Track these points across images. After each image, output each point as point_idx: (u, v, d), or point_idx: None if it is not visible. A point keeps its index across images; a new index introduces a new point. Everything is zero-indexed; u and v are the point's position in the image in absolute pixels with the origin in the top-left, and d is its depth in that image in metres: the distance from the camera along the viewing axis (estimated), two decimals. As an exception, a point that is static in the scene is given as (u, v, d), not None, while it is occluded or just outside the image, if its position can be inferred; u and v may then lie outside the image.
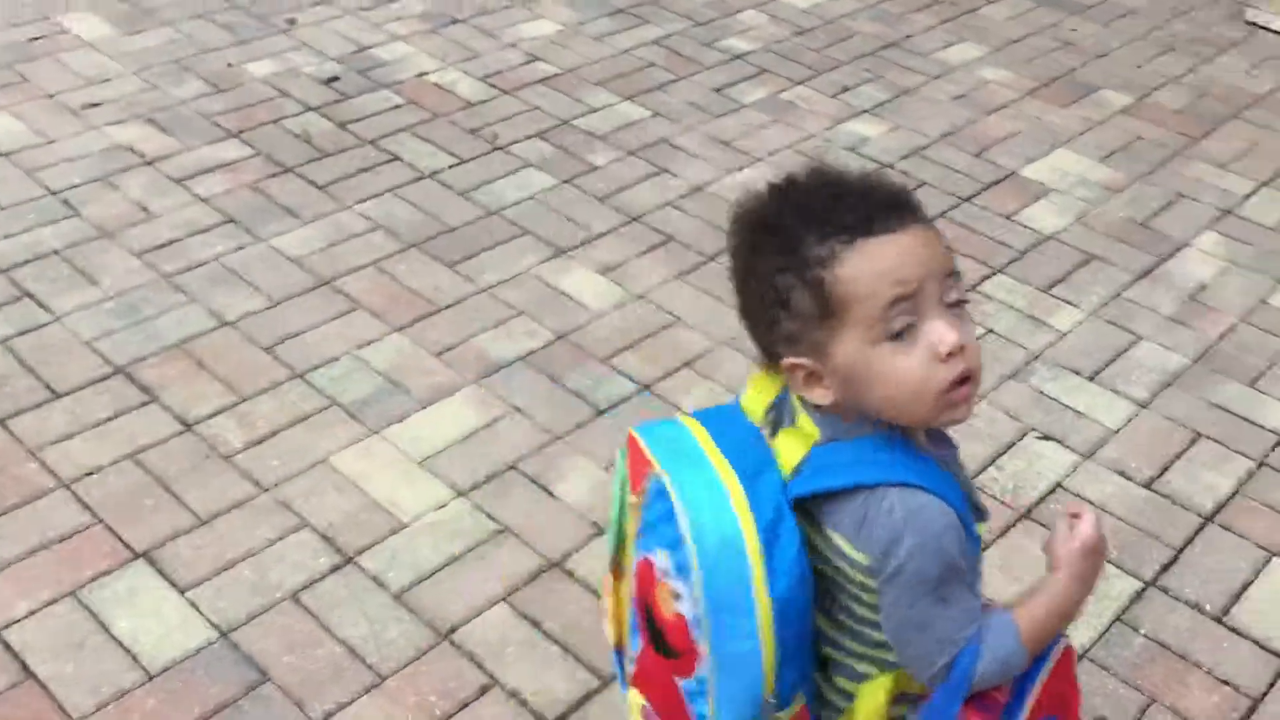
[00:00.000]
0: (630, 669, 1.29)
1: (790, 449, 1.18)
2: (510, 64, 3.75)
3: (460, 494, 2.28)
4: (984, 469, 2.40)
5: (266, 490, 2.25)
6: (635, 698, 1.28)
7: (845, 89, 3.75)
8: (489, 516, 2.24)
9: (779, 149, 3.41)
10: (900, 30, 4.14)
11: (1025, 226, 3.16)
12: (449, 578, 2.12)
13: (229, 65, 3.61)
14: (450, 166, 3.23)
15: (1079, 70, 3.97)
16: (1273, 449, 2.50)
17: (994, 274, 2.97)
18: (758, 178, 3.26)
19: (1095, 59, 4.05)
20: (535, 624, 2.05)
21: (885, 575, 1.13)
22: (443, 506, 2.25)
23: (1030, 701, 1.18)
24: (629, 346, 2.66)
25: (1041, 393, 2.61)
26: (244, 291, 2.74)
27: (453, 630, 2.03)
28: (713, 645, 1.14)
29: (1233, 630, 2.13)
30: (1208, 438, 2.52)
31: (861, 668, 1.22)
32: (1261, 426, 2.56)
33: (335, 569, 2.12)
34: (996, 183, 3.34)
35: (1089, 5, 4.45)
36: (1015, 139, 3.55)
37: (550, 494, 2.29)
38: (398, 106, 3.48)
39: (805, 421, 1.19)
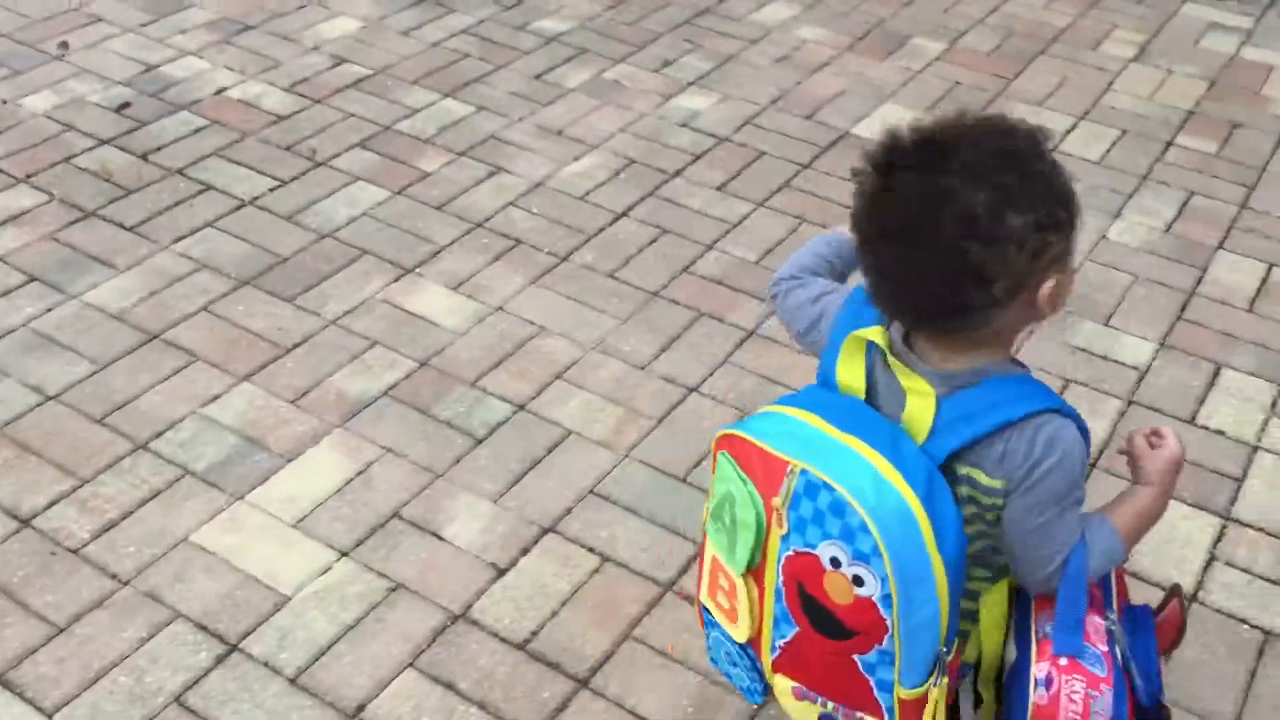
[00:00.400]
0: (772, 657, 1.35)
1: (917, 410, 1.24)
2: (316, 69, 3.53)
3: (343, 554, 2.12)
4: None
5: (127, 583, 2.05)
6: (783, 682, 1.36)
7: (668, 62, 3.67)
8: (379, 574, 2.09)
9: (612, 134, 3.30)
10: (711, -5, 4.09)
11: (867, 187, 3.16)
12: (347, 650, 1.97)
13: (2, 103, 3.28)
14: (270, 190, 3.01)
15: (889, 20, 4.00)
16: (1138, 385, 2.57)
17: (846, 240, 2.96)
18: (596, 166, 3.16)
19: (903, 7, 4.09)
20: (448, 686, 1.92)
21: (1019, 490, 1.24)
22: (327, 571, 2.09)
23: (1115, 587, 1.36)
24: (496, 365, 2.53)
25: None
26: (63, 358, 2.48)
27: (360, 709, 1.88)
28: (902, 618, 1.21)
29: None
30: (1075, 381, 2.57)
31: (975, 586, 1.34)
32: (1122, 364, 2.62)
33: (219, 660, 1.94)
34: (832, 145, 3.33)
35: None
36: (842, 98, 3.54)
37: (440, 539, 2.16)
38: (200, 129, 3.22)
39: (918, 383, 1.25)
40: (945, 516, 1.20)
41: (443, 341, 2.58)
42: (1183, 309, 2.77)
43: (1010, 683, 1.32)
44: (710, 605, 1.40)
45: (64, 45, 3.53)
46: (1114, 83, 3.68)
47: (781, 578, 1.28)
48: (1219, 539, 2.22)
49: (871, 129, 3.39)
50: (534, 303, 2.70)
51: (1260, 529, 2.24)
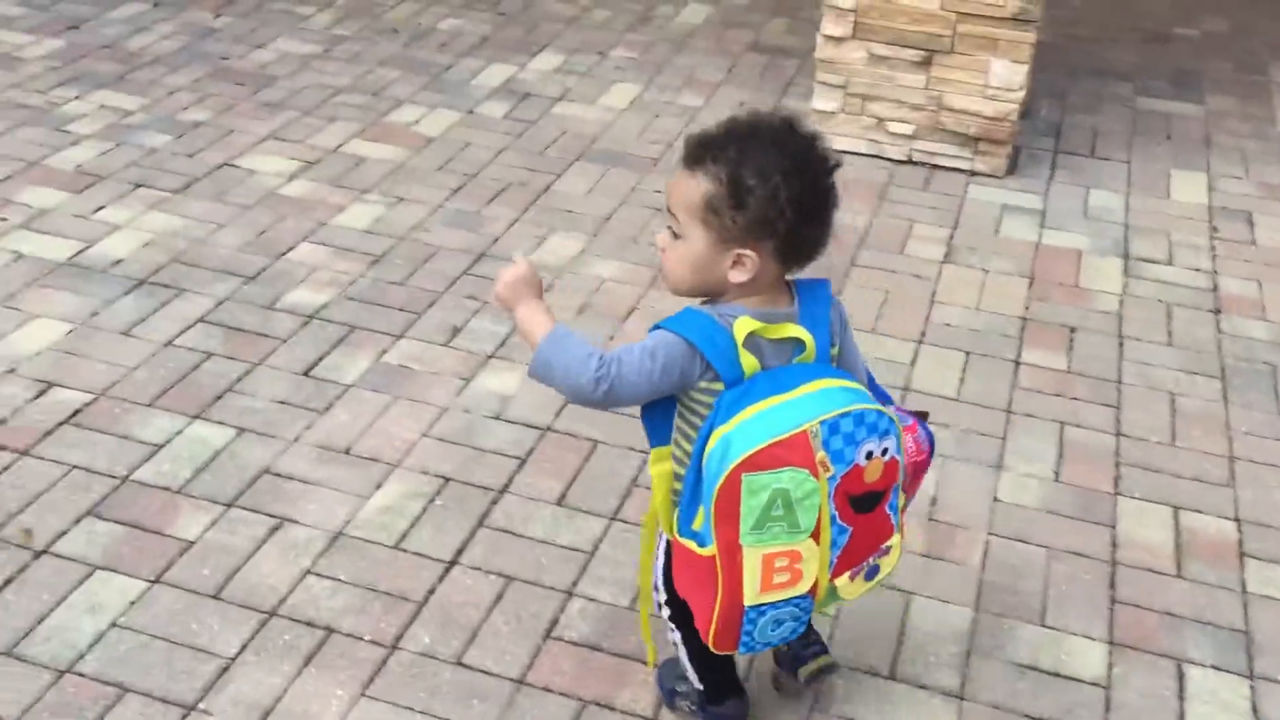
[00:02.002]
0: (830, 572, 1.74)
1: (808, 343, 1.74)
2: (14, 403, 2.76)
3: None
4: None
5: None
6: (840, 580, 1.76)
7: (456, 330, 3.12)
8: None
9: (413, 443, 2.70)
10: (487, 236, 3.59)
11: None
12: None
13: None
14: (-25, 607, 2.24)
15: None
16: (1108, 710, 2.21)
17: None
18: (404, 495, 2.55)
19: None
20: None
21: (845, 336, 1.85)
22: None
23: None
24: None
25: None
26: None
27: None
28: (902, 444, 1.75)
29: None
30: (1039, 719, 2.19)
31: None
32: (1080, 680, 2.27)
33: None
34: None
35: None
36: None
37: None
38: None
39: (790, 328, 1.74)
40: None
41: None
42: (1112, 586, 2.46)
43: None
44: (764, 598, 1.70)
45: None
46: (936, 292, 3.44)
47: (834, 507, 1.67)
48: None
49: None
50: (369, 725, 2.07)
51: None
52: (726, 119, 1.73)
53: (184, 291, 3.22)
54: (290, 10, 5.11)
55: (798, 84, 4.66)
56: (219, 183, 3.75)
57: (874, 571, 1.80)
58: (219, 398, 2.83)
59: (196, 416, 2.77)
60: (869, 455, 1.67)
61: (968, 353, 3.19)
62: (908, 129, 4.11)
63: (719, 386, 1.68)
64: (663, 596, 1.95)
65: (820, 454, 1.62)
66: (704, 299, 1.77)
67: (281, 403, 2.83)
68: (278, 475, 2.62)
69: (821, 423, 1.62)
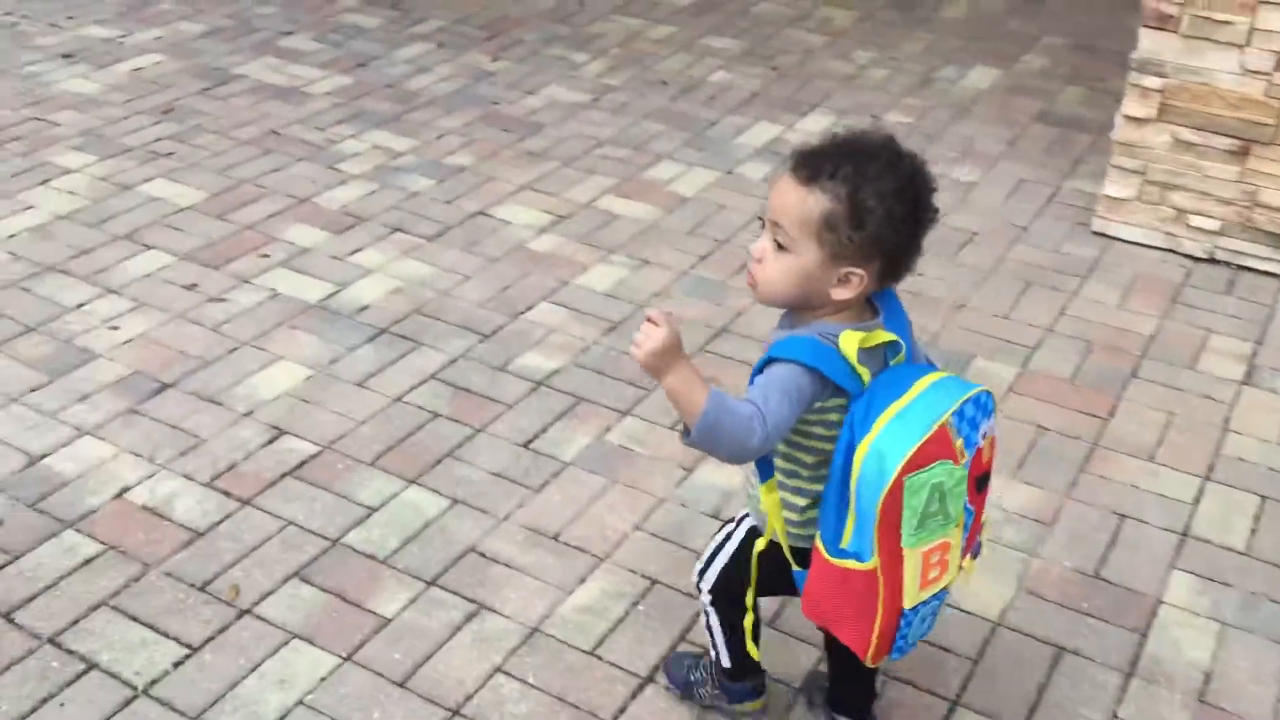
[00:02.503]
0: (960, 557, 1.79)
1: (901, 348, 1.78)
2: (247, 447, 2.81)
3: None
4: None
5: None
6: (968, 563, 1.83)
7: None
8: None
9: (624, 535, 2.56)
10: (729, 310, 3.43)
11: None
12: None
13: None
14: (175, 665, 2.23)
15: (945, 333, 3.35)
16: None
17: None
18: (608, 594, 2.40)
19: (956, 312, 3.45)
20: None
21: (912, 344, 1.85)
22: None
23: None
24: None
25: None
26: None
27: None
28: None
29: None
30: None
31: None
32: None
33: None
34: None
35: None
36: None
37: None
38: (90, 560, 2.46)
39: (884, 335, 1.75)
40: None
41: None
42: None
43: None
44: (921, 596, 1.73)
45: (-72, 427, 2.83)
46: (1230, 419, 3.01)
47: (971, 482, 1.73)
48: None
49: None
50: None
51: None
52: (832, 135, 1.74)
53: (421, 345, 3.21)
54: (564, 57, 5.13)
55: (1088, 162, 4.26)
56: (471, 232, 3.76)
57: (978, 548, 1.87)
58: (438, 462, 2.78)
59: (413, 481, 2.72)
60: (984, 435, 1.74)
61: (1264, 497, 2.76)
62: (1213, 224, 3.66)
63: (830, 405, 1.72)
64: (707, 584, 2.01)
65: (958, 442, 1.68)
66: (788, 311, 1.80)
67: (497, 475, 2.75)
68: (483, 555, 2.53)
69: (953, 413, 1.68)
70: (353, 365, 3.12)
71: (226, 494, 2.66)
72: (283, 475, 2.72)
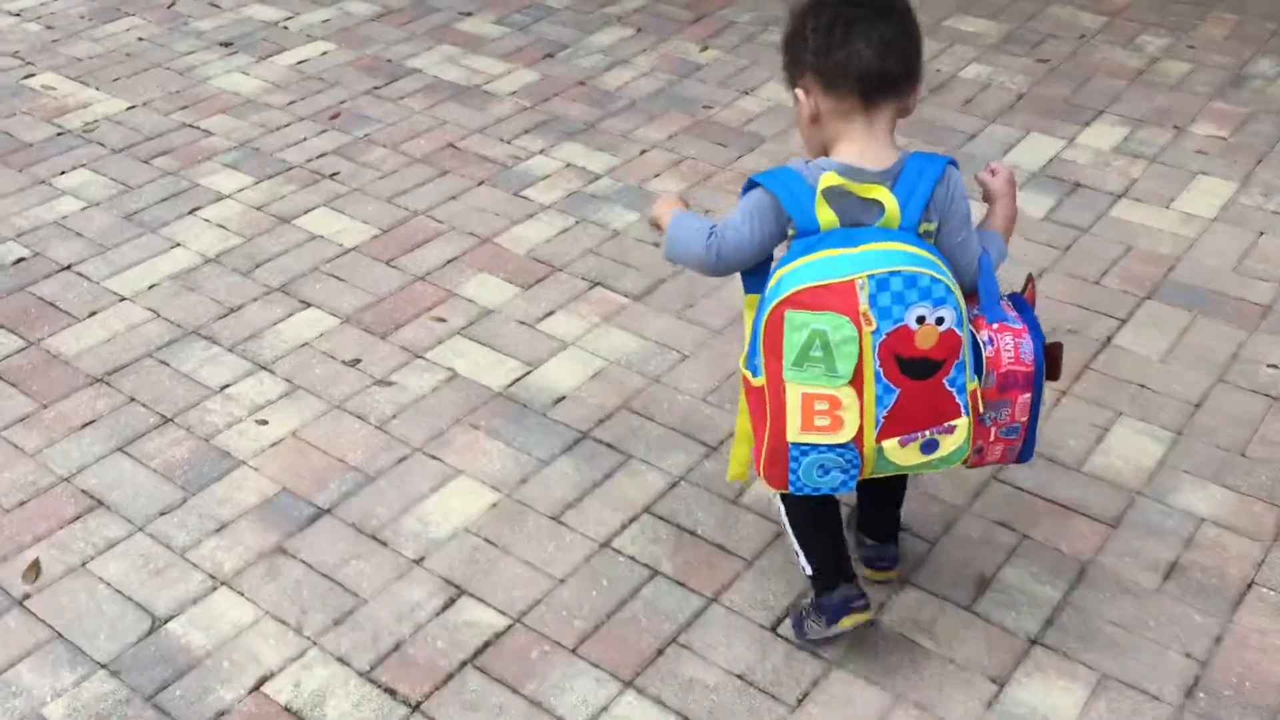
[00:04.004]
0: (877, 430, 1.79)
1: (889, 207, 1.81)
2: (418, 616, 2.20)
3: None
4: None
5: None
6: (889, 443, 1.80)
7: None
8: None
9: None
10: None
11: None
12: None
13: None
14: None
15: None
16: None
17: None
18: None
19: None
20: None
21: (946, 223, 1.88)
22: None
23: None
24: None
25: None
26: None
27: None
28: (964, 321, 1.79)
29: None
30: None
31: None
32: None
33: None
34: None
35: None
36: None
37: None
38: (218, 790, 1.91)
39: (875, 190, 1.82)
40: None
41: None
42: None
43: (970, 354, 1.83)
44: (805, 438, 1.80)
45: (35, 570, 2.29)
46: None
47: (878, 362, 1.74)
48: None
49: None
50: None
51: None
52: None
53: (630, 459, 2.54)
54: (785, 44, 4.35)
55: None
56: (685, 289, 3.06)
57: (931, 445, 1.83)
58: (660, 653, 2.11)
59: (629, 683, 2.06)
60: (920, 320, 1.73)
61: None
62: None
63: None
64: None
65: (864, 306, 1.71)
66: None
67: (740, 678, 2.07)
68: (726, 818, 1.87)
69: (870, 276, 1.71)
70: (547, 488, 2.47)
71: (391, 692, 2.05)
72: (462, 664, 2.10)
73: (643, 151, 3.69)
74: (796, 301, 1.72)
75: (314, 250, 3.24)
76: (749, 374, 1.85)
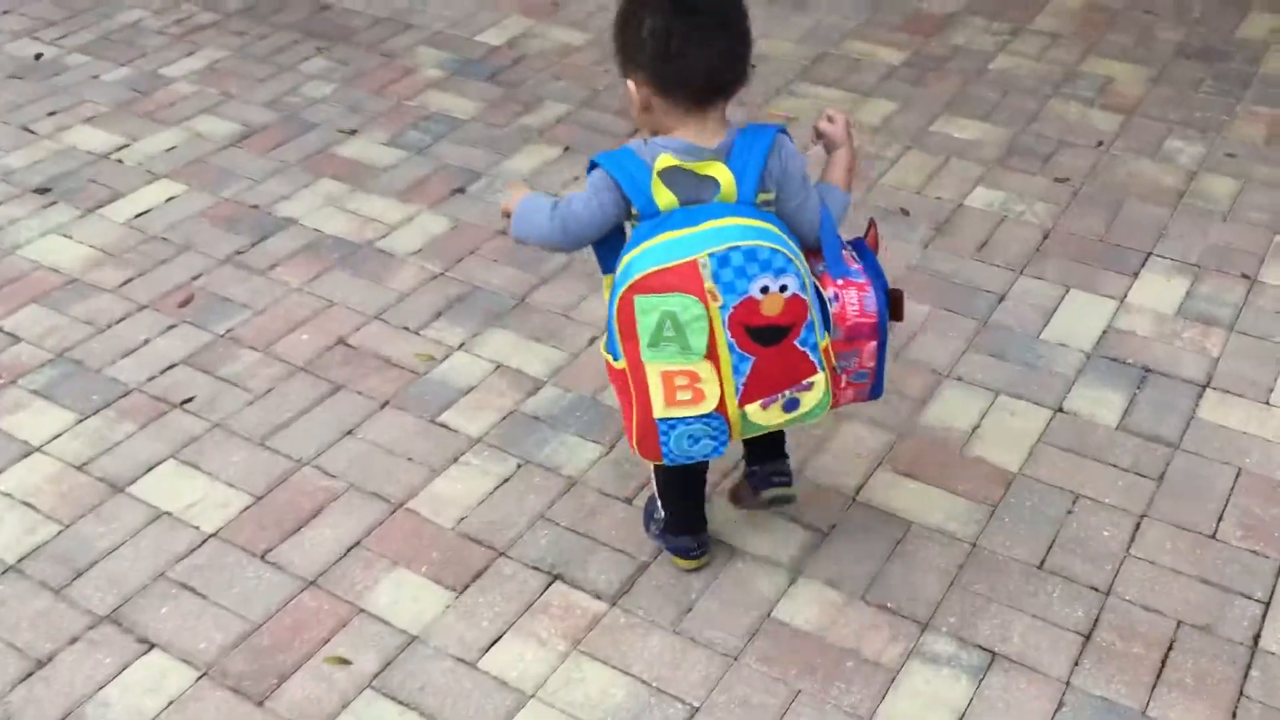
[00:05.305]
0: (738, 397, 1.86)
1: (725, 183, 1.86)
2: None
3: None
4: None
5: None
6: (751, 407, 1.88)
7: None
8: None
9: None
10: None
11: None
12: None
13: None
14: None
15: None
16: None
17: None
18: None
19: None
20: None
21: (783, 188, 1.95)
22: None
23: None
24: None
25: None
26: None
27: None
28: (807, 284, 1.84)
29: None
30: None
31: None
32: None
33: None
34: None
35: None
36: None
37: None
38: None
39: (712, 166, 1.87)
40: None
41: None
42: None
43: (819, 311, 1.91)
44: (670, 413, 1.87)
45: None
46: None
47: (729, 334, 1.81)
48: None
49: None
50: None
51: None
52: None
53: None
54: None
55: None
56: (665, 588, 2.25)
57: (793, 404, 1.90)
58: None
59: None
60: (764, 290, 1.79)
61: None
62: None
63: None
64: None
65: (709, 284, 1.77)
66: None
67: None
68: None
69: (710, 255, 1.77)
70: None
71: None
72: None
73: (592, 339, 2.87)
74: (644, 286, 1.79)
75: (158, 542, 2.34)
76: (610, 357, 1.91)
